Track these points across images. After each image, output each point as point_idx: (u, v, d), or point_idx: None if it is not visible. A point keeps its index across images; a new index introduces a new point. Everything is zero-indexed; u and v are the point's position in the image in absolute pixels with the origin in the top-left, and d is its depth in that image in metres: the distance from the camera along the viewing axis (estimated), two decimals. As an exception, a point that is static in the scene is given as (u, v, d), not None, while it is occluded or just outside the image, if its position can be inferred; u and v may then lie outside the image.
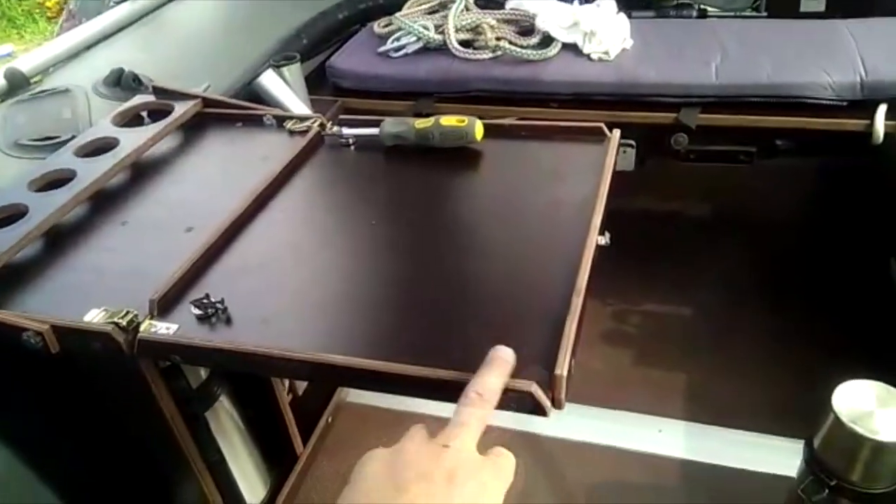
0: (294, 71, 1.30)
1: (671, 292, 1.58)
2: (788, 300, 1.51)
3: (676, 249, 1.67)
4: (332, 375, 0.64)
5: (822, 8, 1.56)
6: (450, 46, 1.40)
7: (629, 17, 1.43)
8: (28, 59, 1.31)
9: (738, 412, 1.30)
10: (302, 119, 1.03)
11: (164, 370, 0.77)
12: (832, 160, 1.69)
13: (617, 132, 0.91)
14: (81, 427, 0.85)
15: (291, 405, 1.13)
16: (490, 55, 1.39)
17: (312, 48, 1.51)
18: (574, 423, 1.31)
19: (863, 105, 1.22)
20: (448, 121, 0.93)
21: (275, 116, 1.05)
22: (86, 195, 0.90)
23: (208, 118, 1.09)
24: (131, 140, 0.99)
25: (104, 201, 0.92)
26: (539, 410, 0.58)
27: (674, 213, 1.84)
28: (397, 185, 0.93)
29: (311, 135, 1.00)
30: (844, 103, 1.23)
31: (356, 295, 0.75)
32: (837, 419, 0.86)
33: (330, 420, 1.34)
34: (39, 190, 0.91)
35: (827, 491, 0.88)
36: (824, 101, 1.24)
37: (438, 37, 1.42)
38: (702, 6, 1.61)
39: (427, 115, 0.96)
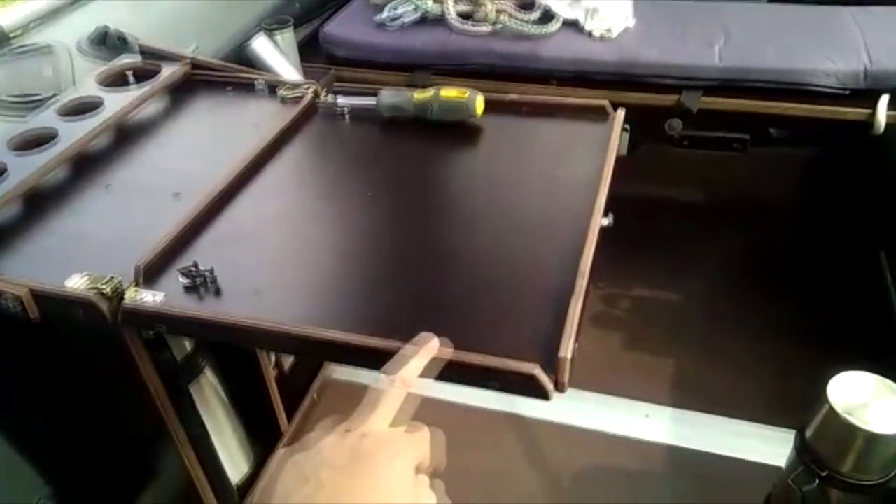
0: (287, 37, 1.26)
1: (662, 278, 1.57)
2: (779, 290, 1.51)
3: (669, 235, 1.66)
4: (329, 351, 0.61)
5: (826, -7, 1.54)
6: (448, 18, 1.36)
7: (632, -5, 1.40)
8: (8, 15, 1.25)
9: (726, 399, 1.30)
10: (295, 86, 1.00)
11: (147, 341, 0.74)
12: (826, 150, 1.69)
13: (621, 111, 0.89)
14: (60, 397, 0.82)
15: (277, 381, 1.11)
16: (489, 29, 1.35)
17: (306, 14, 1.47)
18: (560, 407, 1.30)
19: (865, 94, 1.21)
20: (448, 93, 0.89)
21: (267, 82, 1.01)
22: (67, 156, 0.86)
23: (197, 81, 1.04)
24: (116, 101, 0.95)
25: (87, 163, 0.88)
26: (541, 394, 0.56)
27: (667, 199, 1.83)
28: (394, 159, 0.90)
29: (304, 103, 0.96)
30: (847, 92, 1.22)
31: (350, 269, 0.72)
32: (832, 409, 0.85)
33: (316, 397, 1.32)
34: (18, 149, 0.87)
35: (818, 481, 0.88)
36: (827, 89, 1.22)
37: (437, 7, 1.38)
38: (705, -13, 1.58)
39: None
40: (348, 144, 0.94)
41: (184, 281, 0.66)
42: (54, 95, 0.99)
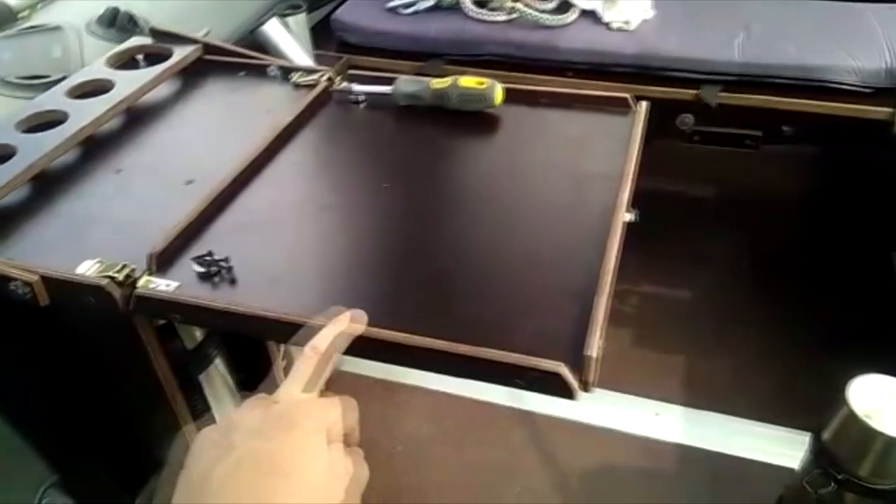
0: (299, 21, 1.24)
1: (673, 275, 1.56)
2: (790, 289, 1.50)
3: (679, 232, 1.64)
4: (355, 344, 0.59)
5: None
6: (463, 5, 1.34)
7: (650, -13, 1.37)
8: (16, -7, 1.23)
9: (736, 399, 1.29)
10: (309, 72, 0.98)
11: (158, 329, 0.72)
12: (839, 148, 1.67)
13: (645, 104, 0.87)
14: (68, 384, 0.80)
15: (286, 371, 1.09)
16: (505, 17, 1.33)
17: (319, -3, 1.45)
18: (569, 403, 1.28)
19: (887, 93, 1.19)
20: (467, 82, 0.87)
21: (280, 67, 0.99)
22: (78, 139, 0.84)
23: (209, 65, 1.02)
24: (127, 83, 0.93)
25: (97, 147, 0.86)
26: (566, 393, 0.54)
27: (678, 195, 1.81)
28: (411, 148, 0.88)
29: (318, 89, 0.94)
30: (869, 90, 1.20)
31: (367, 261, 0.71)
32: (851, 412, 0.84)
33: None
34: (28, 131, 0.85)
35: (834, 484, 0.87)
36: (848, 87, 1.20)
37: (452, -6, 1.36)
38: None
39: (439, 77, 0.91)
40: (363, 132, 0.92)
41: (198, 269, 0.64)
42: (63, 77, 0.97)
